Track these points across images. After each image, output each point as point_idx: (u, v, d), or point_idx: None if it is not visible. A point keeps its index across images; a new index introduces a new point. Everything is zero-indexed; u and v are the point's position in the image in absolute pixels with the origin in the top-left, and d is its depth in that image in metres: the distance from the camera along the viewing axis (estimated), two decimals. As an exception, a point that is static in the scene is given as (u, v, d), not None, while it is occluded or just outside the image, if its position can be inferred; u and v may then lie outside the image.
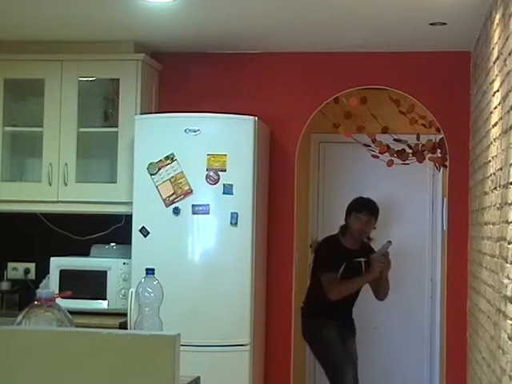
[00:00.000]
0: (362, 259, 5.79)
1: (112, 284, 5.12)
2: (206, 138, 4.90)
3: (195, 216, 4.89)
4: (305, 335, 5.86)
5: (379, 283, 5.87)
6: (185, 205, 4.89)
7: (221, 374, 4.68)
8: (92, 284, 5.15)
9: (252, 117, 4.96)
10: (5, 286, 5.48)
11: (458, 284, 5.19)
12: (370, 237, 5.94)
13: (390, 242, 5.76)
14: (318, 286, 5.75)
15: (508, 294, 3.04)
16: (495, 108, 3.70)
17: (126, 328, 4.71)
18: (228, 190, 4.85)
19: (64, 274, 5.17)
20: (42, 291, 2.95)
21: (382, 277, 5.82)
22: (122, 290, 5.08)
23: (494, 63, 3.77)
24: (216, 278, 4.84)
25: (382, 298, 6.00)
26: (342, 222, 5.87)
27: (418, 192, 6.88)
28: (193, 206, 4.88)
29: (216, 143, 4.90)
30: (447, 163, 5.45)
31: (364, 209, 5.82)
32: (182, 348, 2.55)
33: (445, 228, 5.58)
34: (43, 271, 5.30)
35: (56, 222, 5.49)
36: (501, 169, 3.41)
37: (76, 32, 5.05)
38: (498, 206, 3.48)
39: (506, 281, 3.12)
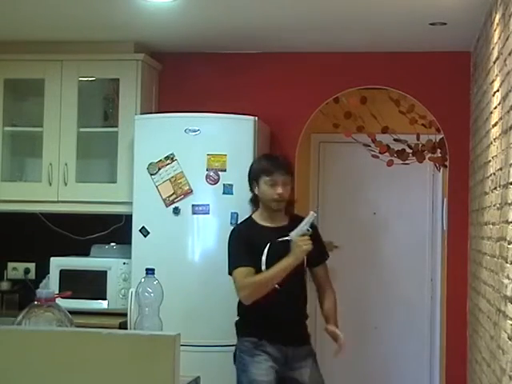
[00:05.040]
0: (289, 238, 4.23)
1: (112, 284, 5.12)
2: (206, 138, 4.89)
3: (195, 216, 4.88)
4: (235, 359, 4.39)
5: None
6: (185, 205, 4.89)
7: (221, 374, 4.68)
8: (92, 284, 5.15)
9: (252, 117, 4.96)
10: (5, 285, 5.48)
11: (458, 284, 5.19)
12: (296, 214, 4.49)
13: (314, 212, 4.41)
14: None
15: (508, 293, 3.04)
16: (495, 108, 3.70)
17: (126, 328, 4.71)
18: (228, 190, 4.85)
19: (64, 274, 5.17)
20: (42, 291, 2.95)
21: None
22: (122, 290, 5.08)
23: (494, 63, 3.77)
24: (216, 278, 4.83)
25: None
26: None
27: (418, 192, 6.88)
28: (193, 206, 4.88)
29: (216, 143, 4.90)
30: (447, 163, 5.46)
31: (276, 167, 4.32)
32: (182, 348, 2.55)
33: (445, 228, 5.57)
34: (43, 271, 5.30)
35: (56, 222, 5.49)
36: (501, 169, 3.41)
37: (76, 32, 5.05)
38: (497, 205, 3.47)
39: (506, 281, 3.12)
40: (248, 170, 4.46)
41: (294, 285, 4.26)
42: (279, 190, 4.29)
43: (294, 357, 4.27)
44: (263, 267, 4.19)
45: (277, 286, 4.21)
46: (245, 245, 4.26)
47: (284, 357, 4.25)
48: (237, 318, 4.42)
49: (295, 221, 4.32)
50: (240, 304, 4.36)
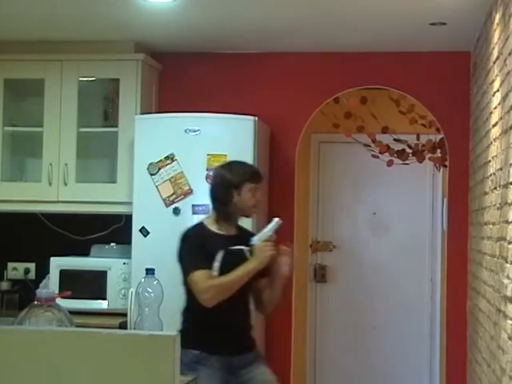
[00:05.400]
0: (245, 248, 4.11)
1: (112, 284, 5.12)
2: (206, 138, 4.90)
3: (195, 216, 4.88)
4: None
5: (271, 283, 4.16)
6: (185, 205, 4.89)
7: (221, 374, 4.67)
8: (92, 284, 5.15)
9: (252, 117, 4.96)
10: (5, 285, 5.49)
11: (458, 284, 5.19)
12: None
13: (277, 218, 4.16)
14: (187, 300, 4.09)
15: (508, 294, 3.04)
16: (495, 108, 3.70)
17: (126, 328, 4.71)
18: (228, 189, 4.84)
19: (64, 274, 5.17)
20: (42, 291, 2.95)
21: (273, 273, 4.14)
22: (122, 290, 5.08)
23: (494, 63, 3.77)
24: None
25: (267, 310, 4.28)
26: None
27: (418, 192, 6.88)
28: (193, 206, 4.89)
29: (216, 143, 4.90)
30: (447, 163, 5.46)
31: (258, 174, 4.22)
32: (182, 348, 2.55)
33: (445, 228, 5.57)
34: (43, 271, 5.30)
35: (56, 222, 5.50)
36: (501, 169, 3.41)
37: (76, 32, 5.06)
38: (498, 205, 3.48)
39: (506, 281, 3.12)
40: (219, 179, 4.16)
41: (244, 292, 4.11)
42: (260, 196, 4.22)
43: (239, 365, 4.06)
44: (215, 273, 3.98)
45: None
46: (199, 248, 4.04)
47: (229, 366, 4.03)
48: (181, 327, 4.03)
49: (241, 230, 4.21)
50: (186, 312, 4.10)
